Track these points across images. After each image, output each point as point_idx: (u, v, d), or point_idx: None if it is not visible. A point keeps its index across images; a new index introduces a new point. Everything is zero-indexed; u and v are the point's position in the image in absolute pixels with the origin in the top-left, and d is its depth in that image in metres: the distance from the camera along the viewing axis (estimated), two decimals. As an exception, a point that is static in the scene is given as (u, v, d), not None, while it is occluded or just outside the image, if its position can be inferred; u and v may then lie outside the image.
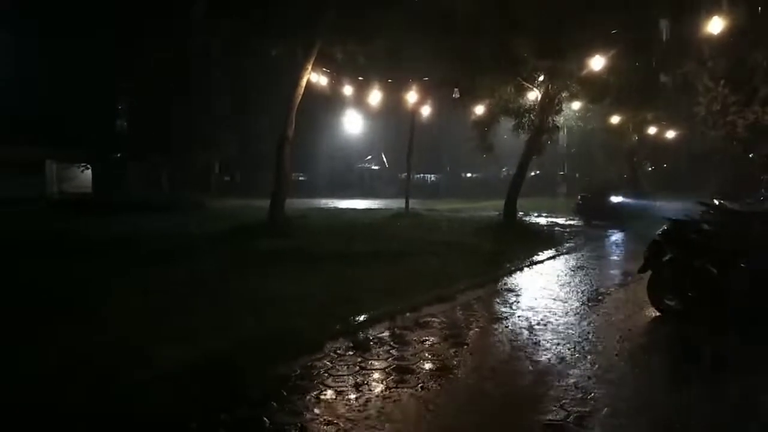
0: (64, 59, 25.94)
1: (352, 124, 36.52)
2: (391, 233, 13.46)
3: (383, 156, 43.71)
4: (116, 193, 26.00)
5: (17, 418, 3.50)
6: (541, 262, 10.26)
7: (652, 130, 23.97)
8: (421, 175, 44.58)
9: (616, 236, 15.11)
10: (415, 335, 5.41)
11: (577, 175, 40.78)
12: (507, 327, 5.79)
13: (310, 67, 13.84)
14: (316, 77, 15.51)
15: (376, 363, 4.61)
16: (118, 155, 31.06)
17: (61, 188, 30.96)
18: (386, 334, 5.42)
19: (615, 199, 18.52)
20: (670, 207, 13.11)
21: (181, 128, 26.77)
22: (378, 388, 4.07)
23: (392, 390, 4.03)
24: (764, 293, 5.51)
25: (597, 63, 12.61)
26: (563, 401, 3.81)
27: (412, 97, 18.54)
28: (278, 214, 13.94)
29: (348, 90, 17.65)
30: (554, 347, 5.04)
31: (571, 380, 4.21)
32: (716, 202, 6.70)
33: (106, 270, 8.31)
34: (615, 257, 10.88)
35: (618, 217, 17.16)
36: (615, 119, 20.20)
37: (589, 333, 5.53)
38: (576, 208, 19.40)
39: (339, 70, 16.50)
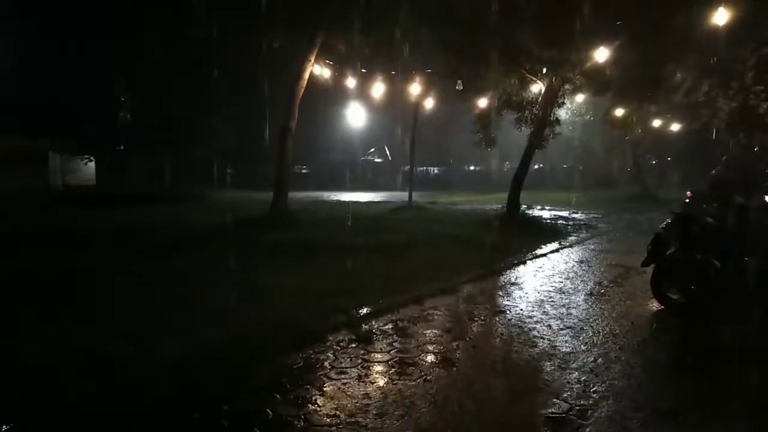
0: (66, 51, 25.94)
1: (355, 116, 36.44)
2: (394, 226, 13.44)
3: (386, 149, 43.67)
4: (119, 185, 26.05)
5: (18, 409, 3.52)
6: (545, 255, 10.24)
7: (655, 123, 23.87)
8: (424, 168, 44.56)
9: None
10: (418, 327, 5.42)
11: (580, 168, 40.70)
12: (510, 319, 5.79)
13: (313, 59, 13.79)
14: (319, 69, 15.46)
15: (378, 355, 4.61)
16: (121, 147, 31.11)
17: (64, 180, 31.02)
18: (389, 326, 5.43)
19: None
20: None
21: (183, 120, 26.74)
22: (381, 380, 4.08)
23: (395, 382, 4.03)
24: (767, 287, 5.49)
25: (601, 54, 12.52)
26: (565, 394, 3.82)
27: (415, 89, 18.47)
28: (280, 206, 13.95)
29: (351, 82, 17.58)
30: (557, 340, 5.04)
31: (574, 373, 4.21)
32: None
33: (108, 262, 8.34)
34: (619, 251, 10.84)
35: None
36: (618, 112, 20.10)
37: (591, 326, 5.53)
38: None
39: (342, 63, 16.43)
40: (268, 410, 3.52)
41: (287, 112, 13.90)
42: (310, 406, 3.62)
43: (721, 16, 10.87)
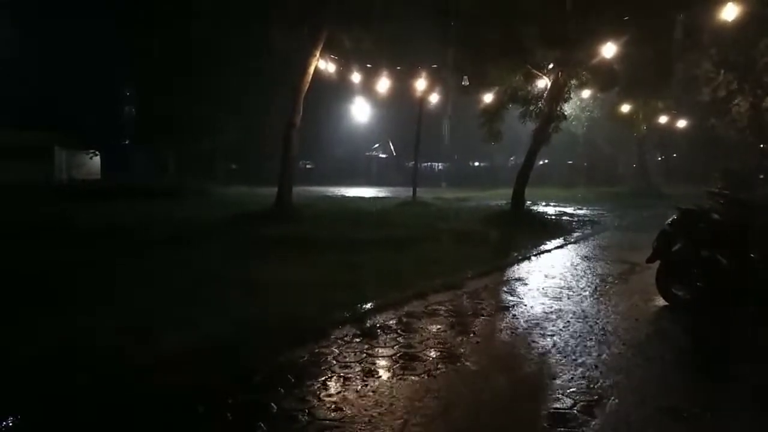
0: (72, 46, 26.00)
1: (360, 111, 36.43)
2: (398, 221, 13.43)
3: (390, 144, 43.61)
4: (123, 179, 26.12)
5: (18, 401, 3.53)
6: (549, 251, 10.22)
7: (662, 120, 23.74)
8: (429, 163, 44.48)
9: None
10: (422, 323, 5.41)
11: (585, 164, 40.56)
12: (514, 315, 5.78)
13: (317, 54, 13.76)
14: (324, 64, 15.43)
15: (382, 350, 4.61)
16: (126, 142, 31.21)
17: (70, 174, 31.15)
18: (393, 321, 5.42)
19: None
20: None
21: (187, 115, 26.79)
22: (385, 375, 4.08)
23: (399, 377, 4.03)
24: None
25: (608, 50, 12.44)
26: (569, 390, 3.81)
27: (420, 84, 18.42)
28: (285, 201, 13.95)
29: (356, 77, 17.55)
30: (561, 336, 5.03)
31: (578, 369, 4.20)
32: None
33: (112, 255, 8.36)
34: (624, 247, 10.80)
35: None
36: (625, 108, 19.99)
37: (596, 322, 5.51)
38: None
39: (347, 57, 16.40)
40: (272, 404, 3.53)
41: (292, 107, 13.89)
42: (315, 400, 3.62)
43: (730, 12, 10.79)
